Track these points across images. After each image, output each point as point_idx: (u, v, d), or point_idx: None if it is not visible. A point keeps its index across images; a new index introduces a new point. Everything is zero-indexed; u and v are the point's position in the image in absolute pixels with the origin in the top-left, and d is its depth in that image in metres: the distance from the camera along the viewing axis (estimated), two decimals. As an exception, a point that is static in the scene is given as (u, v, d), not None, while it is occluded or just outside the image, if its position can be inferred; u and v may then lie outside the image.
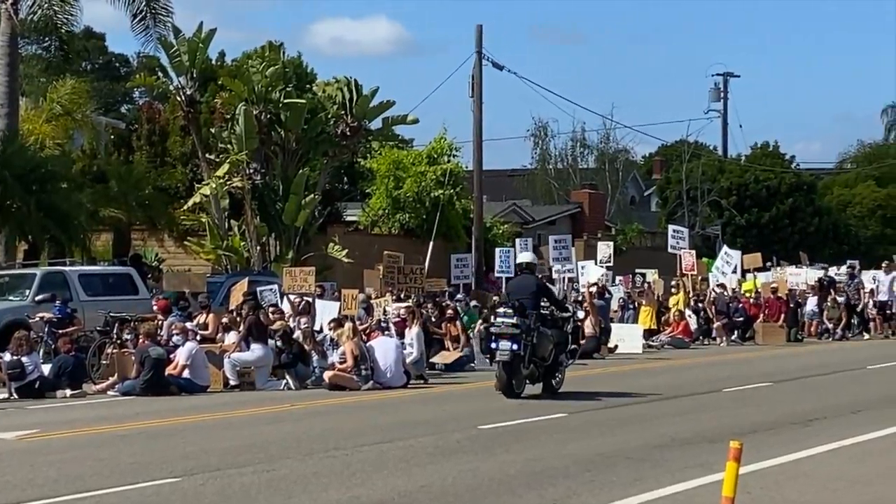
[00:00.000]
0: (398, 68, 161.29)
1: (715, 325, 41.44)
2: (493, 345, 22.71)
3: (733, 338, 41.27)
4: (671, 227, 48.10)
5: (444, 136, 49.79)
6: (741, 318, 42.08)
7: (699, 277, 45.79)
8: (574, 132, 78.84)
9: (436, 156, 48.94)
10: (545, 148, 79.87)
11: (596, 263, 45.16)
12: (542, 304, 23.52)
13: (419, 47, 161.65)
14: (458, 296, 38.19)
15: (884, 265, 50.07)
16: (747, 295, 45.23)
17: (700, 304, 42.33)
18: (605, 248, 46.40)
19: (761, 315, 43.08)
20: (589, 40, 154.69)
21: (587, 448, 16.57)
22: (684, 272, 43.69)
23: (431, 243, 44.83)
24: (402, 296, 34.19)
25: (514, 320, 22.64)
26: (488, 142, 49.94)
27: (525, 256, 25.45)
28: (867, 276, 52.97)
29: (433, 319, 31.82)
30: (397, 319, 28.88)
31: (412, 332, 27.84)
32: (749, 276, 49.11)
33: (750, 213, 69.80)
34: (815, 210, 72.87)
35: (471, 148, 47.96)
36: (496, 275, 45.26)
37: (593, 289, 38.94)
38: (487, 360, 24.58)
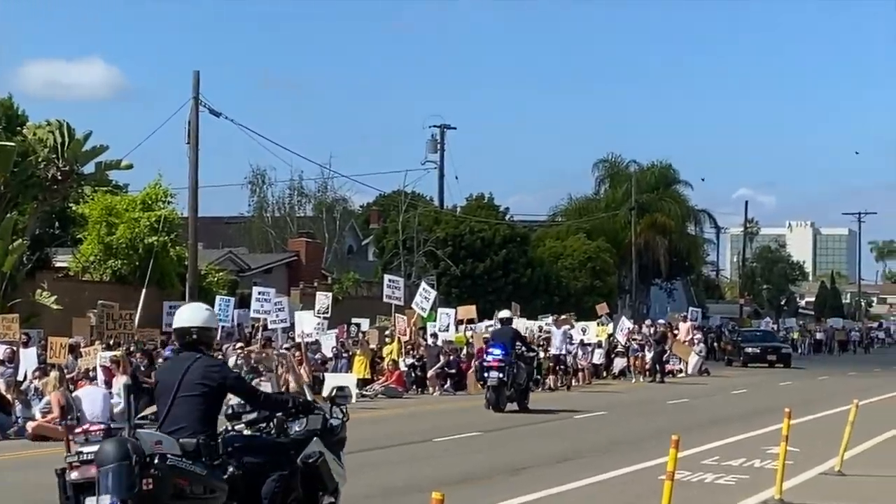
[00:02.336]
0: (115, 113, 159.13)
1: (428, 375, 41.75)
2: (485, 374, 32.53)
3: (446, 387, 41.63)
4: (387, 277, 48.35)
5: (160, 182, 49.04)
6: (454, 370, 42.48)
7: (415, 328, 46.09)
8: (292, 180, 78.76)
9: (150, 202, 48.06)
10: (262, 196, 79.60)
11: (314, 313, 45.01)
12: (517, 346, 33.18)
13: (136, 92, 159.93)
14: (169, 346, 37.47)
15: (552, 318, 51.32)
16: (458, 345, 45.64)
17: (414, 355, 42.62)
18: (323, 299, 46.30)
19: (473, 365, 43.55)
20: (310, 90, 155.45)
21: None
22: (400, 334, 43.88)
23: (144, 290, 43.94)
24: (111, 343, 33.37)
25: (500, 356, 32.09)
26: (205, 188, 49.32)
27: (505, 313, 36.67)
28: (578, 327, 54.28)
29: (142, 368, 31.16)
30: (104, 365, 28.18)
31: (119, 382, 27.20)
32: (461, 327, 49.73)
33: (465, 264, 70.53)
34: (528, 262, 74.10)
35: (186, 194, 47.36)
36: (213, 323, 44.59)
37: (308, 339, 38.87)
38: (480, 385, 34.60)
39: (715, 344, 74.18)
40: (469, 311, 52.66)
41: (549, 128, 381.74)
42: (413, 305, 47.23)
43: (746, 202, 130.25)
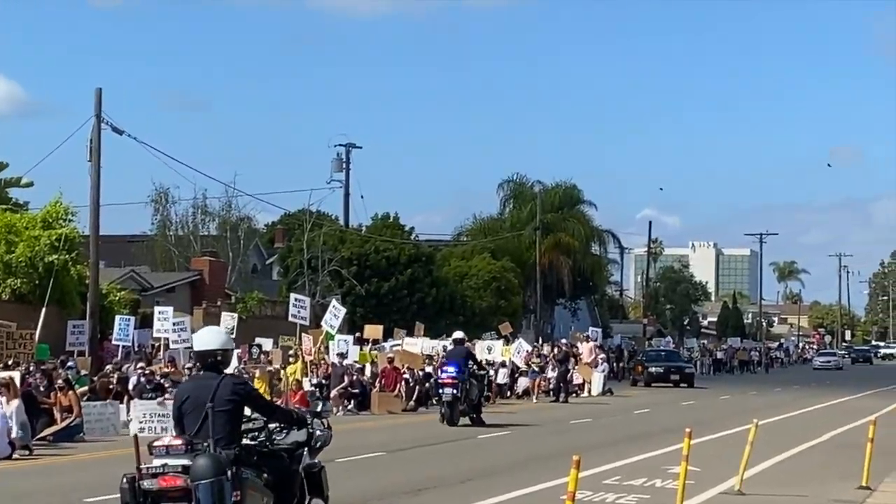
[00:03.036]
0: (15, 129, 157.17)
1: (331, 395, 41.54)
2: (440, 390, 35.22)
3: (349, 407, 41.48)
4: (293, 296, 48.08)
5: (60, 200, 48.42)
6: (357, 390, 42.31)
7: (321, 346, 45.92)
8: (196, 199, 78.02)
9: (51, 220, 47.49)
10: (166, 214, 78.83)
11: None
12: (469, 364, 35.75)
13: (38, 108, 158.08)
14: (70, 363, 37.07)
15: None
16: (362, 364, 45.45)
17: (318, 374, 42.41)
18: (228, 319, 45.99)
19: (377, 384, 43.56)
20: (215, 109, 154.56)
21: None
22: (305, 353, 43.65)
23: (44, 309, 43.41)
24: (9, 363, 32.87)
25: (454, 374, 34.60)
26: (107, 207, 48.64)
27: (459, 334, 38.63)
28: (481, 346, 54.40)
29: (42, 389, 30.74)
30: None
31: (12, 405, 26.77)
32: (367, 346, 49.65)
33: (370, 283, 70.40)
34: (433, 281, 74.09)
35: (88, 213, 46.83)
36: (114, 342, 44.21)
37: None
38: (435, 401, 37.95)
39: (615, 364, 74.45)
40: (375, 330, 52.62)
41: (455, 147, 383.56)
42: (322, 323, 47.07)
43: (650, 222, 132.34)
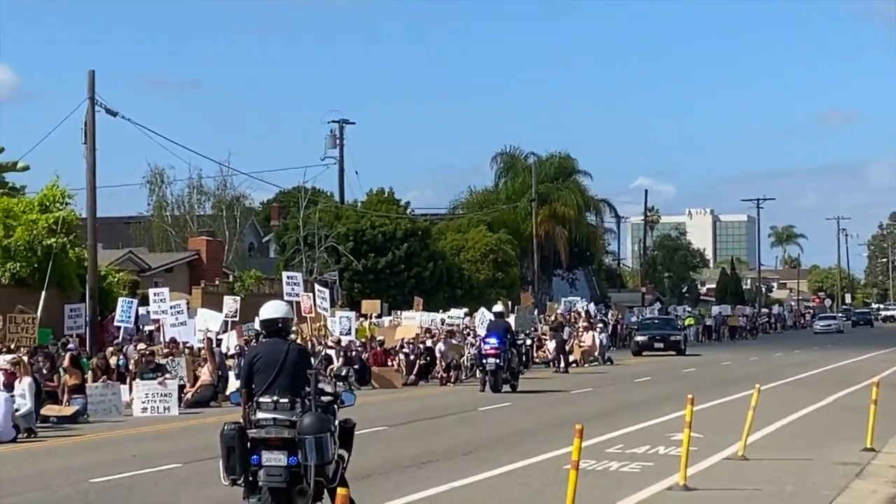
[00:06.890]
0: (10, 114, 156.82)
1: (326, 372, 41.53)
2: (484, 360, 37.54)
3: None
4: (286, 274, 48.17)
5: (57, 183, 48.32)
6: (357, 365, 42.29)
7: (318, 323, 45.98)
8: (191, 179, 77.95)
9: (48, 203, 47.41)
10: (161, 195, 78.76)
11: (224, 316, 44.63)
12: (509, 336, 38.42)
13: (33, 93, 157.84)
14: (70, 345, 37.06)
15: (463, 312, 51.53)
16: (362, 340, 45.49)
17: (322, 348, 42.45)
18: (231, 303, 45.96)
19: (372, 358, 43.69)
20: (205, 88, 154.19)
21: (199, 499, 16.29)
22: (303, 315, 43.71)
23: (44, 293, 43.42)
24: (12, 347, 32.90)
25: (496, 345, 37.12)
26: (103, 189, 48.67)
27: (499, 307, 42.06)
28: (478, 318, 54.20)
29: (45, 372, 30.80)
30: (4, 368, 27.82)
31: (23, 384, 26.86)
32: (366, 321, 49.71)
33: (367, 259, 70.43)
34: (430, 255, 74.12)
35: (84, 195, 46.81)
36: (116, 324, 44.11)
37: (211, 335, 38.68)
38: (479, 371, 39.63)
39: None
40: (374, 305, 52.68)
41: (446, 121, 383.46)
42: (318, 309, 47.17)
43: (646, 191, 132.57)
